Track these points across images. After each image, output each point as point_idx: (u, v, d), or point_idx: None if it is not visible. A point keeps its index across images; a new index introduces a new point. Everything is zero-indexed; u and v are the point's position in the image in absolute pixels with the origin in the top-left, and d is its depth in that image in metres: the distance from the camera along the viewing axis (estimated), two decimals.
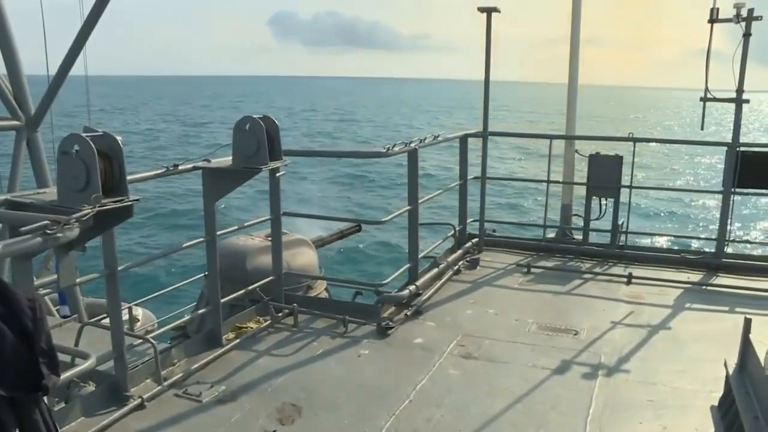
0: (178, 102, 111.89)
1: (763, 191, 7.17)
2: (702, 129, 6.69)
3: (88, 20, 6.92)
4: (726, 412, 3.71)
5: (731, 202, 6.71)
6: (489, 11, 6.65)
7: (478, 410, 3.91)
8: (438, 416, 3.84)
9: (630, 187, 7.34)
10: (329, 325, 5.27)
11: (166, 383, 4.11)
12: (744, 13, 6.04)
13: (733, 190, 6.64)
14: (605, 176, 7.21)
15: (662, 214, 26.49)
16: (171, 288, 6.37)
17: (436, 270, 6.38)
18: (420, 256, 6.14)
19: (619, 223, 7.25)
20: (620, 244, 7.31)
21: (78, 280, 3.75)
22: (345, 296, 6.53)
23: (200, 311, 5.10)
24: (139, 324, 6.87)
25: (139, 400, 3.86)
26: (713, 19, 6.20)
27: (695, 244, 12.33)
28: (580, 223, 7.67)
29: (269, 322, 5.26)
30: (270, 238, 5.77)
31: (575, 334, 5.13)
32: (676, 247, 8.43)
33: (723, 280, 6.48)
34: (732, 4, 6.06)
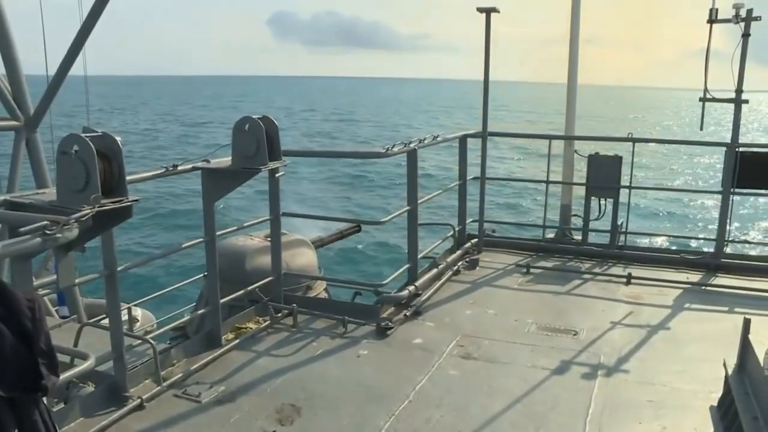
0: (177, 102, 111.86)
1: (762, 191, 7.17)
2: (701, 129, 6.69)
3: (87, 20, 6.93)
4: (725, 413, 3.72)
5: (730, 202, 6.71)
6: (488, 12, 6.65)
7: (477, 410, 3.91)
8: (437, 416, 3.84)
9: (629, 187, 7.35)
10: (328, 325, 5.27)
11: (165, 384, 4.11)
12: (743, 13, 6.05)
13: (732, 190, 6.65)
14: (604, 176, 7.22)
15: (661, 214, 26.52)
16: (170, 288, 6.38)
17: (435, 270, 6.38)
18: (419, 256, 6.14)
19: (619, 223, 7.26)
20: (619, 244, 7.31)
21: (77, 281, 3.75)
22: (344, 297, 6.53)
23: (199, 312, 5.09)
24: (138, 324, 6.86)
25: (139, 400, 3.86)
26: (712, 20, 6.20)
27: (694, 245, 12.33)
28: (580, 223, 7.68)
29: (268, 322, 5.26)
30: (269, 239, 5.77)
31: (574, 335, 5.13)
32: (675, 248, 8.44)
33: (722, 280, 6.48)
34: (731, 5, 6.07)
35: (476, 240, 7.45)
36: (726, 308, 5.75)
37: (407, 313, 5.48)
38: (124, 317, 5.35)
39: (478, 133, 7.30)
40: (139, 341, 4.40)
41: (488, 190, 7.48)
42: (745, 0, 6.04)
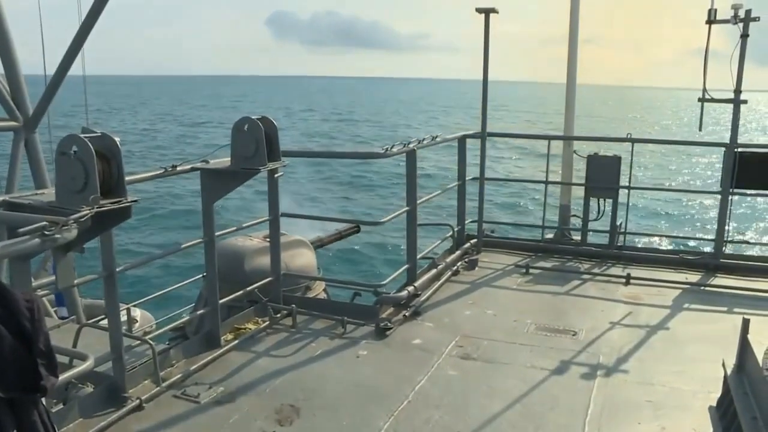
0: (176, 102, 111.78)
1: (761, 191, 7.18)
2: (700, 130, 6.69)
3: (86, 20, 6.92)
4: (724, 413, 3.72)
5: (729, 202, 6.72)
6: (487, 12, 6.65)
7: (476, 411, 3.91)
8: (437, 417, 3.84)
9: (628, 187, 7.35)
10: (328, 325, 5.27)
11: (164, 384, 4.10)
12: (741, 14, 6.06)
13: (731, 190, 6.65)
14: (603, 177, 7.22)
15: (661, 214, 26.53)
16: (169, 289, 6.38)
17: (434, 271, 6.39)
18: (418, 256, 6.14)
19: (618, 223, 7.26)
20: (619, 244, 7.31)
21: (76, 281, 3.75)
22: (343, 297, 6.54)
23: (199, 312, 5.10)
24: (137, 325, 6.85)
25: (138, 401, 3.86)
26: (711, 20, 6.21)
27: (693, 245, 12.35)
28: (579, 223, 7.68)
29: (268, 323, 5.26)
30: (268, 239, 5.77)
31: (574, 335, 5.13)
32: (674, 248, 8.44)
33: (721, 280, 6.49)
34: (730, 5, 6.08)
35: (475, 240, 7.46)
36: (725, 308, 5.75)
37: (406, 314, 5.47)
38: (123, 318, 5.34)
39: (477, 133, 7.30)
40: (138, 342, 4.39)
41: (487, 191, 7.48)
42: (743, 1, 6.05)
